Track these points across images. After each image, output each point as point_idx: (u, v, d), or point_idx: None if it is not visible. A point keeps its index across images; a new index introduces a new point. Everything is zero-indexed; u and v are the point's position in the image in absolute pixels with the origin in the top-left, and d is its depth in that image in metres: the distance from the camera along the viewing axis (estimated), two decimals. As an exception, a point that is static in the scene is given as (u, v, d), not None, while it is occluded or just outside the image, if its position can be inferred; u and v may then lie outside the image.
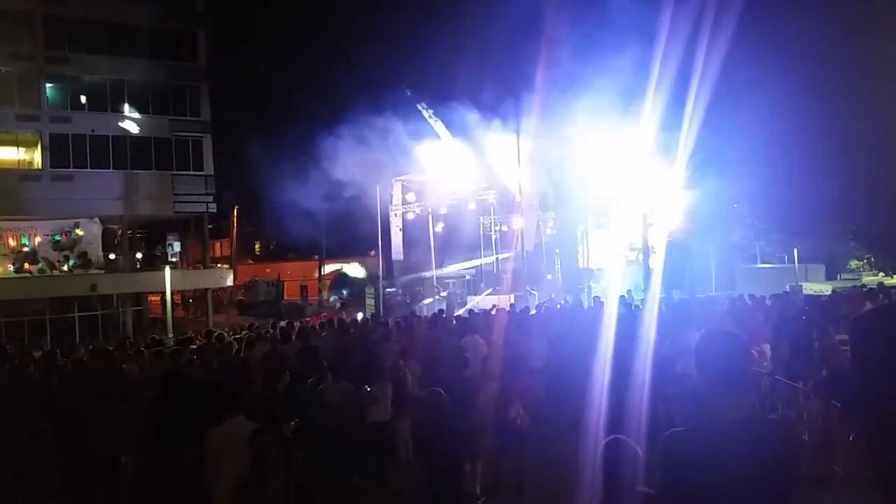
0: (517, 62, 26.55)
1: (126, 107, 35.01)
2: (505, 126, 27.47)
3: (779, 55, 27.56)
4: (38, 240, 33.61)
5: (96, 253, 35.17)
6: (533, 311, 18.27)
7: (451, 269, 32.63)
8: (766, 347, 11.60)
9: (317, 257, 52.56)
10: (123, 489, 6.83)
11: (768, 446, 2.68)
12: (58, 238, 33.84)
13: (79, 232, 34.44)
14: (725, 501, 2.64)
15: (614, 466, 3.59)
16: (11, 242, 33.22)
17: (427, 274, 31.57)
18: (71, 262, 33.81)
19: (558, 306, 20.03)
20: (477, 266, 32.92)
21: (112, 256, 36.77)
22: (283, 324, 17.16)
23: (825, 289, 22.51)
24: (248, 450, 5.35)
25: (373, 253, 38.36)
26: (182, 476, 5.86)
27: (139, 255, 38.95)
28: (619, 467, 3.59)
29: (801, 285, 24.41)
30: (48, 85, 33.62)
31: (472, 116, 28.38)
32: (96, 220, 35.21)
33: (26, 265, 32.88)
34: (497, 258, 30.54)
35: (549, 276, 28.40)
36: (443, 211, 31.30)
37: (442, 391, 6.06)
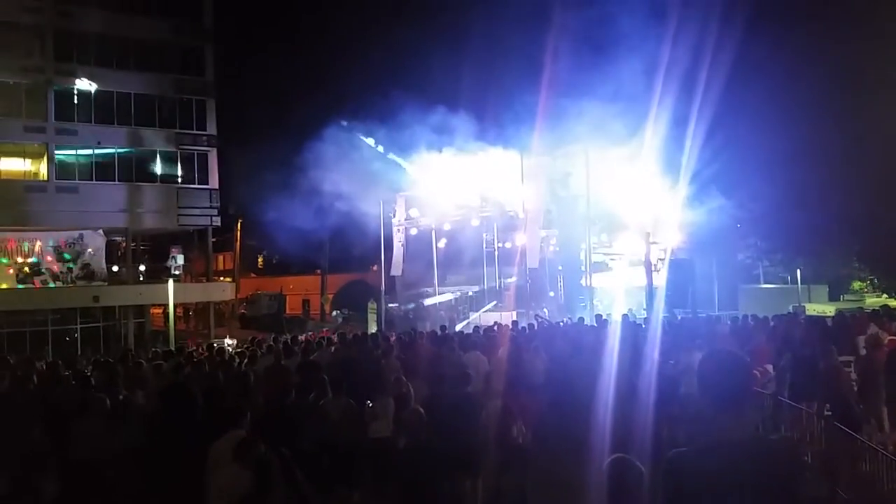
0: (520, 79, 26.73)
1: (132, 120, 35.21)
2: (508, 143, 27.59)
3: (783, 77, 27.70)
4: (38, 245, 33.69)
5: (100, 265, 35.22)
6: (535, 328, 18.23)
7: (454, 287, 32.60)
8: (769, 368, 11.57)
9: (319, 272, 52.60)
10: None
11: (771, 467, 2.68)
12: (67, 256, 33.90)
13: (85, 245, 34.54)
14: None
15: (618, 486, 3.58)
16: (17, 256, 33.31)
17: (429, 290, 31.55)
18: (72, 266, 33.78)
19: (561, 324, 20.00)
20: (479, 283, 32.92)
21: (115, 268, 36.82)
22: (286, 338, 17.16)
23: (828, 310, 22.45)
24: (234, 462, 5.34)
25: (375, 268, 38.38)
26: (183, 491, 5.84)
27: (142, 268, 38.99)
28: (624, 487, 3.58)
29: (803, 306, 24.36)
30: (55, 88, 33.73)
31: (476, 133, 28.51)
32: (100, 231, 35.30)
33: (32, 278, 32.92)
34: (501, 281, 30.61)
35: (551, 294, 28.38)
36: (446, 227, 31.33)
37: (421, 410, 6.05)
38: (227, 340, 27.89)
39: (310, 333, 26.82)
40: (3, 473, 7.15)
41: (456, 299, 32.06)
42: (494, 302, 29.47)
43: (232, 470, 5.37)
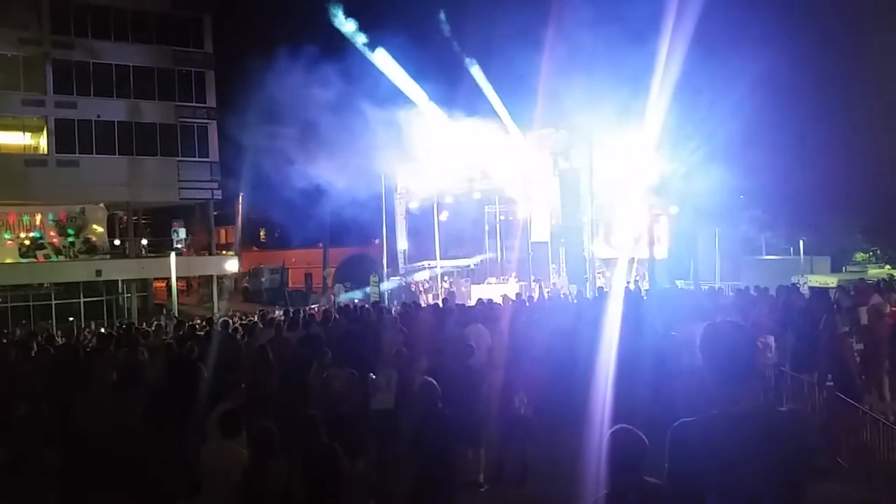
0: (522, 49, 26.36)
1: (131, 92, 34.98)
2: (510, 115, 27.35)
3: (788, 45, 27.37)
4: (39, 219, 33.73)
5: (101, 238, 35.26)
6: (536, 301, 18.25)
7: (458, 261, 32.58)
8: (771, 339, 11.57)
9: (321, 245, 52.58)
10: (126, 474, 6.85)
11: (777, 439, 2.66)
12: (70, 231, 33.90)
13: (86, 219, 34.54)
14: (731, 493, 2.63)
15: (621, 457, 3.59)
16: (19, 231, 33.35)
17: (431, 263, 31.52)
18: (70, 240, 33.79)
19: (564, 295, 20.03)
20: (481, 256, 32.89)
21: (117, 242, 36.87)
22: (290, 310, 17.20)
23: (830, 281, 22.43)
24: (221, 435, 5.37)
25: (377, 241, 38.33)
26: (184, 462, 5.88)
27: (144, 242, 39.03)
28: (626, 458, 3.58)
29: (806, 277, 24.34)
30: (54, 60, 33.41)
31: (477, 104, 28.25)
32: (102, 205, 35.28)
33: (34, 251, 32.98)
34: (503, 254, 30.67)
35: (553, 266, 28.34)
36: (448, 200, 31.20)
37: (434, 381, 6.07)
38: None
39: (311, 306, 26.89)
40: (7, 444, 7.20)
41: (457, 272, 32.04)
42: (489, 276, 29.52)
43: (219, 443, 5.40)
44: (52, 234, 33.86)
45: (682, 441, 2.72)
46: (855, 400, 8.05)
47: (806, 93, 27.41)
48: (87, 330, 22.81)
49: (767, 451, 2.62)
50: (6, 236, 33.02)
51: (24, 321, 30.39)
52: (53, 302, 32.88)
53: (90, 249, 34.32)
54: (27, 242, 32.97)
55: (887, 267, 29.92)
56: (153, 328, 15.05)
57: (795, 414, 3.28)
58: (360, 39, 28.13)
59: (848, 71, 27.61)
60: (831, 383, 8.85)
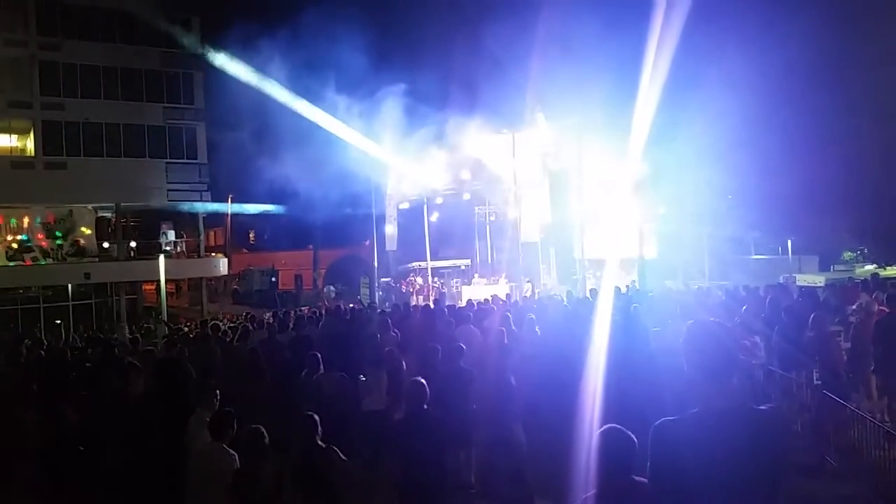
0: (510, 49, 26.42)
1: (119, 94, 34.79)
2: (500, 116, 27.39)
3: (774, 46, 27.53)
4: (27, 221, 33.52)
5: (90, 241, 35.04)
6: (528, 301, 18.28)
7: (448, 261, 32.61)
8: (757, 339, 11.63)
9: (311, 247, 52.48)
10: (112, 480, 6.82)
11: (757, 437, 2.69)
12: (57, 234, 33.66)
13: (74, 221, 34.32)
14: (713, 491, 2.66)
15: (610, 455, 3.61)
16: (6, 234, 33.11)
17: (422, 264, 31.55)
18: (59, 242, 33.60)
19: (555, 295, 20.05)
20: (472, 256, 32.93)
21: (106, 245, 36.65)
22: (281, 311, 17.15)
23: (818, 280, 22.55)
24: (210, 439, 5.37)
25: (368, 242, 38.32)
26: (172, 466, 5.86)
27: (133, 244, 38.84)
28: (615, 456, 3.60)
29: (794, 276, 24.46)
30: (41, 62, 33.21)
31: (466, 105, 28.30)
32: (90, 208, 35.06)
33: (21, 255, 32.74)
34: (493, 254, 30.70)
35: (543, 267, 28.40)
36: (438, 201, 31.25)
37: (423, 381, 6.09)
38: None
39: (302, 308, 26.81)
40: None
41: (448, 272, 32.06)
42: (478, 275, 29.49)
43: (210, 445, 5.39)
44: (39, 236, 33.66)
45: (662, 440, 2.75)
46: (842, 398, 8.11)
47: (793, 94, 27.59)
48: (76, 334, 22.66)
49: (746, 449, 2.66)
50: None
51: (12, 325, 30.17)
52: (42, 305, 32.66)
53: (78, 252, 34.10)
54: (14, 246, 32.74)
55: (874, 266, 30.14)
56: (142, 331, 14.99)
57: (774, 412, 3.32)
58: (349, 40, 28.13)
59: (834, 72, 27.81)
60: (819, 382, 8.92)
